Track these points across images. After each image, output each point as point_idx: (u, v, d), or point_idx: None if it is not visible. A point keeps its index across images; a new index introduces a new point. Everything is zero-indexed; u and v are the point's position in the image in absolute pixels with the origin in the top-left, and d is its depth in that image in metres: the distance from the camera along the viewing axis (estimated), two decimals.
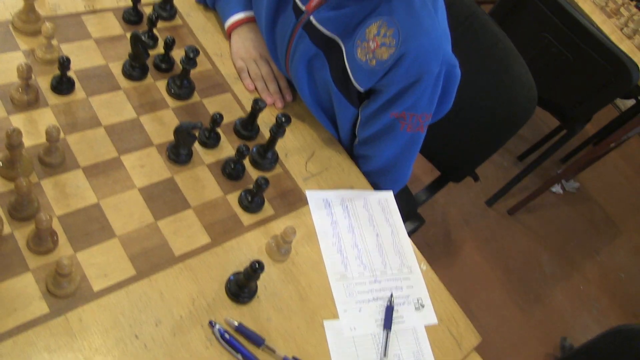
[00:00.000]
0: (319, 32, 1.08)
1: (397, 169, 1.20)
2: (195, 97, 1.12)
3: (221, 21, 1.28)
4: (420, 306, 1.04)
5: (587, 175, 3.18)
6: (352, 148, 1.22)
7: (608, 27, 2.26)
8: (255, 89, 1.22)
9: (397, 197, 1.19)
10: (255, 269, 0.84)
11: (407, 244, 1.11)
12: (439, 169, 1.72)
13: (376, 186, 1.20)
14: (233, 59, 1.24)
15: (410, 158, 1.19)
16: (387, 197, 1.15)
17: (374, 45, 1.02)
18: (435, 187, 1.77)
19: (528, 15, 2.16)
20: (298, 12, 1.11)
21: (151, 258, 0.89)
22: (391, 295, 1.01)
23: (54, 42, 1.05)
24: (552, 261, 2.74)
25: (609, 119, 3.01)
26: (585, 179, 3.19)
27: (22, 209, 0.84)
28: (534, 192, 2.73)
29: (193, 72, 1.10)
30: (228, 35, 1.26)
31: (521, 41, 1.91)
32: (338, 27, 1.06)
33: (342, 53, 1.07)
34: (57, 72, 1.00)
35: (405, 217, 1.18)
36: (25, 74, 0.92)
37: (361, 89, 1.08)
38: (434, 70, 1.01)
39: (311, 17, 1.08)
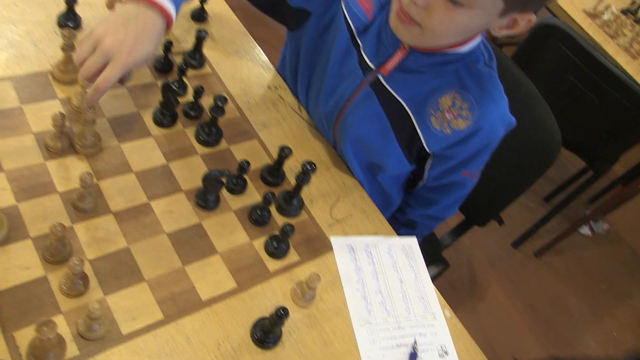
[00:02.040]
0: (389, 94, 1.12)
1: (460, 202, 1.32)
2: (223, 144, 1.15)
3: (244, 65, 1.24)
4: (444, 353, 1.03)
5: (616, 216, 3.13)
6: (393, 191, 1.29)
7: (633, 69, 2.26)
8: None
9: (422, 241, 1.21)
10: (280, 315, 0.85)
11: (431, 290, 1.11)
12: (464, 212, 1.72)
13: (442, 218, 1.33)
14: (94, 27, 0.94)
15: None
16: (411, 243, 1.16)
17: (450, 116, 1.09)
18: (459, 230, 1.77)
19: (551, 58, 2.18)
20: (365, 67, 1.13)
21: (178, 302, 0.91)
22: (414, 342, 1.01)
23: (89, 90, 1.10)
24: (581, 305, 2.68)
25: (639, 159, 2.98)
26: (614, 220, 3.14)
27: (56, 252, 0.87)
28: (561, 233, 2.70)
29: (221, 120, 1.13)
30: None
31: (544, 83, 1.92)
32: (407, 92, 1.11)
33: (410, 119, 1.12)
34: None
35: (430, 261, 1.20)
36: (60, 123, 0.97)
37: (429, 151, 1.15)
38: (500, 134, 1.15)
39: (380, 76, 1.12)
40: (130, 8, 0.96)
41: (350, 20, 1.14)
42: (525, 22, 0.96)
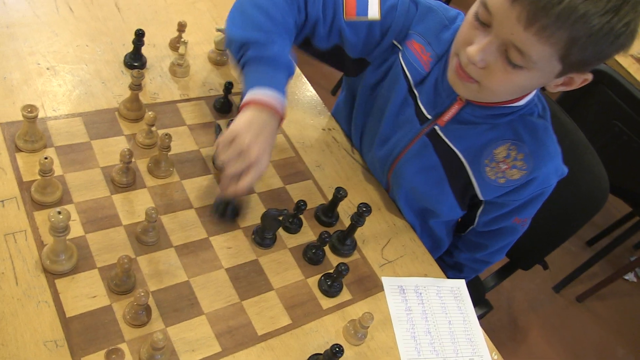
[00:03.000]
0: (445, 144, 1.15)
1: (508, 248, 1.34)
2: (279, 183, 1.19)
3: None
4: None
5: None
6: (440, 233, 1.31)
7: None
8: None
9: (467, 283, 1.22)
10: (335, 352, 0.87)
11: (479, 333, 1.12)
12: (508, 255, 1.71)
13: (489, 262, 1.35)
14: (230, 130, 0.99)
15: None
16: (460, 286, 1.18)
17: (504, 166, 1.12)
18: (503, 273, 1.76)
19: (597, 103, 2.17)
20: (422, 118, 1.16)
21: (236, 336, 0.94)
22: None
23: (153, 128, 1.15)
24: (629, 356, 2.61)
25: None
26: None
27: (122, 283, 0.92)
28: (605, 279, 2.64)
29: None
30: (242, 107, 1.02)
31: (590, 128, 1.91)
32: (463, 143, 1.14)
33: (465, 169, 1.15)
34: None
35: (474, 303, 1.21)
36: (127, 159, 1.02)
37: (482, 199, 1.18)
38: (553, 184, 1.17)
39: (436, 127, 1.15)
40: (257, 116, 1.00)
41: (408, 71, 1.17)
42: (581, 80, 0.98)
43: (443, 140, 1.14)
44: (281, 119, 1.04)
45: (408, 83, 1.17)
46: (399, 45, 1.18)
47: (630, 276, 2.96)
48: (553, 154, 1.13)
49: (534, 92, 1.09)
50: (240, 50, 1.04)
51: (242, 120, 0.99)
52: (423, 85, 1.15)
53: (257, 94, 1.01)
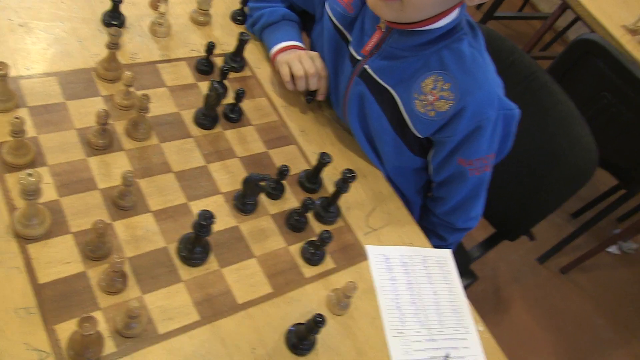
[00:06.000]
0: (374, 80, 1.16)
1: (470, 207, 1.27)
2: (262, 147, 1.16)
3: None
4: None
5: None
6: (410, 190, 1.30)
7: None
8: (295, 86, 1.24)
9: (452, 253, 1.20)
10: (317, 322, 0.85)
11: (464, 303, 1.11)
12: (494, 226, 1.71)
13: (453, 225, 1.29)
14: (278, 67, 1.25)
15: (480, 196, 1.26)
16: (446, 256, 1.16)
17: (432, 98, 1.10)
18: (489, 244, 1.75)
19: (587, 74, 2.15)
20: (354, 61, 1.18)
21: (215, 304, 0.91)
22: (447, 356, 1.01)
23: (132, 89, 1.11)
24: (608, 326, 2.64)
25: None
26: None
27: (97, 249, 0.88)
28: (588, 251, 2.65)
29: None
30: (273, 60, 1.29)
31: (580, 99, 1.89)
32: (391, 78, 1.14)
33: (397, 103, 1.14)
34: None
35: (459, 273, 1.19)
36: (103, 120, 0.98)
37: (420, 136, 1.16)
38: (491, 117, 1.10)
39: (366, 66, 1.16)
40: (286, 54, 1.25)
41: (334, 17, 1.21)
42: None
43: (373, 78, 1.16)
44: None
45: (337, 29, 1.21)
46: None
47: (613, 249, 2.97)
48: (482, 82, 1.08)
49: (455, 14, 1.07)
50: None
51: (282, 65, 1.23)
52: (353, 29, 1.19)
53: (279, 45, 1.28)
